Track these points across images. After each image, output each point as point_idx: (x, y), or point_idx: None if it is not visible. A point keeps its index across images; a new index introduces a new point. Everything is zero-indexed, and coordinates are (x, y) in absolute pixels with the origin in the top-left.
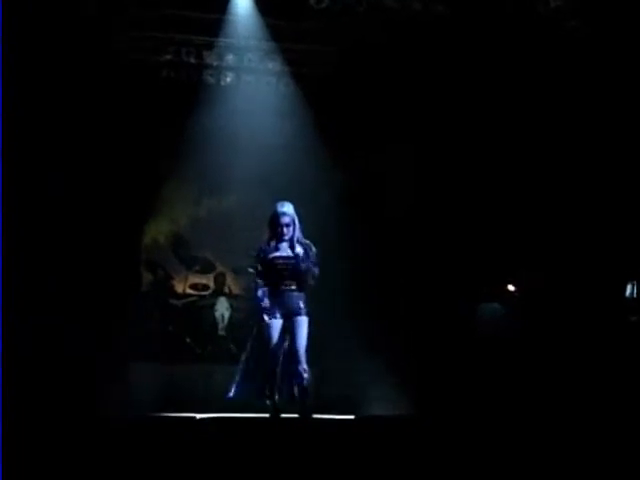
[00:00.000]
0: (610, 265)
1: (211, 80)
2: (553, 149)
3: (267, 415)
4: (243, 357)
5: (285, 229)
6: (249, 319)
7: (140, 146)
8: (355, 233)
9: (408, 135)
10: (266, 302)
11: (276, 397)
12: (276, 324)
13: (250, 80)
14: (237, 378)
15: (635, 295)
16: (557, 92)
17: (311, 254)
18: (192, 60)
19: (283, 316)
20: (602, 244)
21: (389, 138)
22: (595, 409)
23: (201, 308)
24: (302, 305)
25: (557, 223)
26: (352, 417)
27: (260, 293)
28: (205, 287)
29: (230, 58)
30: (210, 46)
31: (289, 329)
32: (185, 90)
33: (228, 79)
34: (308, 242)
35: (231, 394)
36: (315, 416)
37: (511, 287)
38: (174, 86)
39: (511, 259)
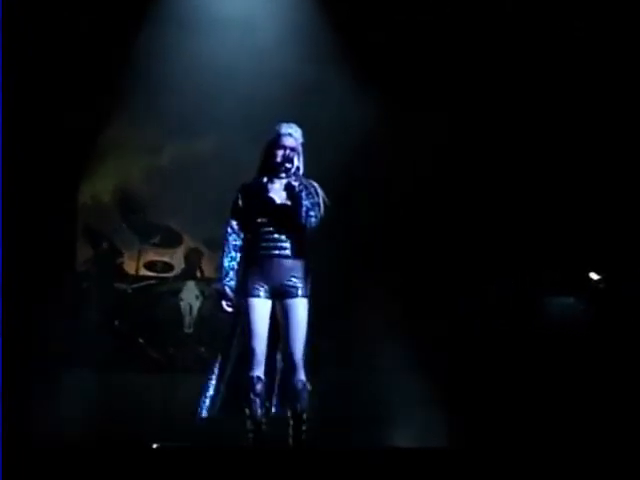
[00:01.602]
0: None
1: None
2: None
3: (248, 444)
4: (218, 359)
5: (288, 155)
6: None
7: (73, 73)
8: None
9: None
10: (228, 278)
11: (261, 419)
12: (260, 306)
13: None
14: (210, 390)
15: None
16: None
17: (318, 199)
18: None
19: (271, 295)
20: None
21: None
22: None
23: (160, 296)
24: (299, 280)
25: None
26: (364, 448)
27: (227, 262)
28: (167, 267)
29: None
30: None
31: (280, 317)
32: None
33: None
34: (314, 183)
35: (204, 412)
36: (314, 446)
37: (594, 275)
38: None
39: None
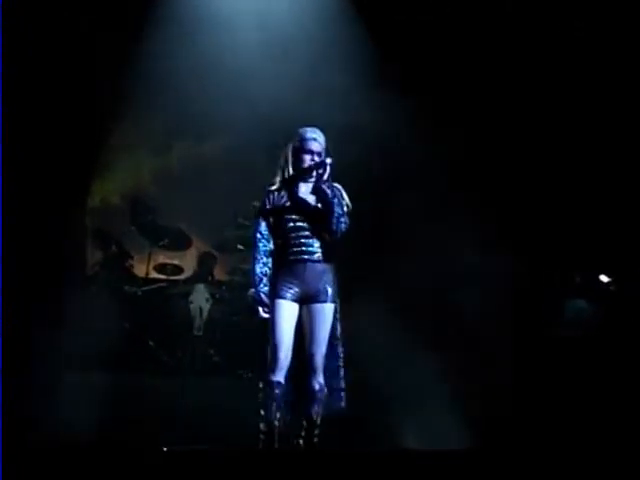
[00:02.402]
0: None
1: None
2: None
3: (259, 446)
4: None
5: (316, 160)
6: (237, 314)
7: (82, 75)
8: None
9: None
10: (262, 284)
11: (275, 420)
12: (288, 309)
13: None
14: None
15: None
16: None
17: (344, 202)
18: None
19: (299, 299)
20: None
21: None
22: None
23: (170, 298)
24: (328, 285)
25: None
26: (381, 450)
27: (259, 268)
28: (177, 269)
29: None
30: None
31: (305, 320)
32: None
33: None
34: (339, 186)
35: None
36: (327, 448)
37: (604, 278)
38: None
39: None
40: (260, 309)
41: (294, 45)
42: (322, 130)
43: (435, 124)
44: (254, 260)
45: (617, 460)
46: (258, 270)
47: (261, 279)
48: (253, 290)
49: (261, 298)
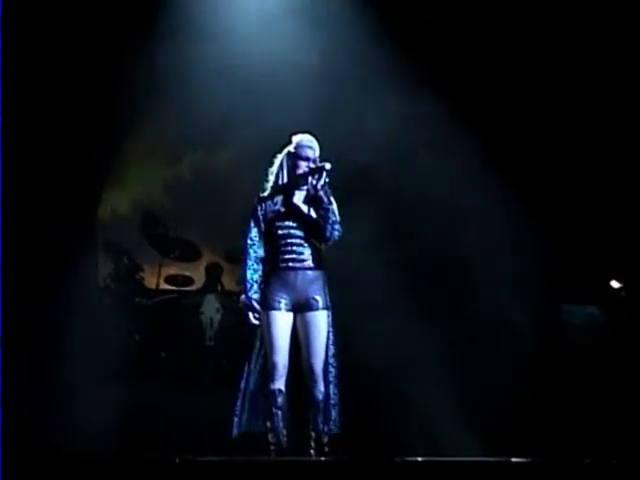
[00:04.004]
0: None
1: None
2: None
3: (270, 457)
4: (242, 375)
5: (311, 167)
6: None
7: (92, 87)
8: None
9: None
10: (253, 291)
11: (283, 432)
12: (281, 319)
13: None
14: (237, 407)
15: None
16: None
17: (332, 208)
18: None
19: (292, 307)
20: None
21: None
22: None
23: (181, 310)
24: (320, 292)
25: None
26: (391, 459)
27: (250, 274)
28: (187, 281)
29: None
30: None
31: (300, 329)
32: None
33: None
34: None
35: (235, 430)
36: (336, 457)
37: (615, 283)
38: None
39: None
40: (250, 315)
41: (304, 54)
42: (331, 138)
43: (443, 129)
44: (245, 266)
45: (628, 464)
46: (249, 276)
47: (252, 285)
48: (243, 296)
49: (252, 304)
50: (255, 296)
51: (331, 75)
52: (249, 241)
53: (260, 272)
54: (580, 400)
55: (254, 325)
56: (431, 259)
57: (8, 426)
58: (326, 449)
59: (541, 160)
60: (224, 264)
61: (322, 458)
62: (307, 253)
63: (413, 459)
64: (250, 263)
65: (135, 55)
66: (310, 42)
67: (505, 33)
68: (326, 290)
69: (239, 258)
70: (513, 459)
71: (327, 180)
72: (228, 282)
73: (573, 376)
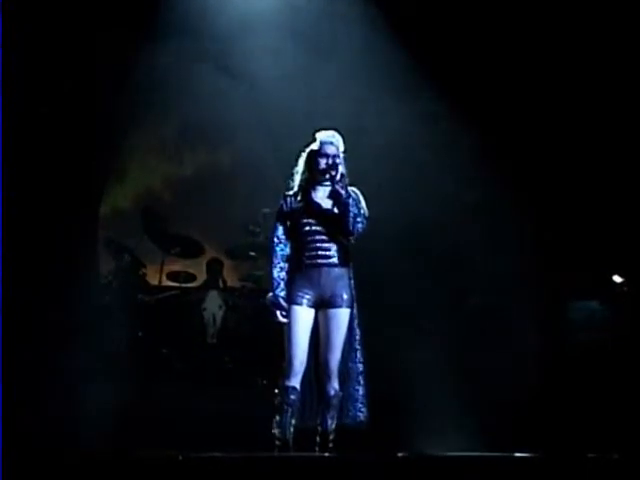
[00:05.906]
0: None
1: None
2: None
3: (274, 452)
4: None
5: (331, 162)
6: (251, 321)
7: (94, 85)
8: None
9: None
10: (279, 289)
11: (291, 426)
12: (304, 315)
13: None
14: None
15: None
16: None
17: (360, 205)
18: None
19: (315, 304)
20: None
21: None
22: None
23: (183, 306)
24: (344, 289)
25: None
26: (399, 455)
27: (276, 272)
28: (189, 277)
29: None
30: None
31: (321, 325)
32: None
33: None
34: (356, 191)
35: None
36: (342, 453)
37: (617, 278)
38: None
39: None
40: (278, 313)
41: (308, 52)
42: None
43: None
44: (271, 264)
45: (631, 459)
46: (275, 274)
47: (279, 283)
48: (271, 294)
49: (279, 302)
50: (282, 294)
51: (332, 73)
52: (275, 239)
53: (286, 270)
54: (582, 395)
55: (281, 323)
56: (431, 259)
57: (8, 426)
58: (331, 445)
59: (542, 158)
60: (225, 260)
61: (326, 454)
62: (333, 250)
63: (416, 454)
64: (276, 261)
65: (138, 52)
66: (310, 41)
67: (505, 33)
68: (352, 287)
69: (240, 255)
70: (516, 454)
71: (344, 174)
72: (231, 279)
73: (575, 371)
